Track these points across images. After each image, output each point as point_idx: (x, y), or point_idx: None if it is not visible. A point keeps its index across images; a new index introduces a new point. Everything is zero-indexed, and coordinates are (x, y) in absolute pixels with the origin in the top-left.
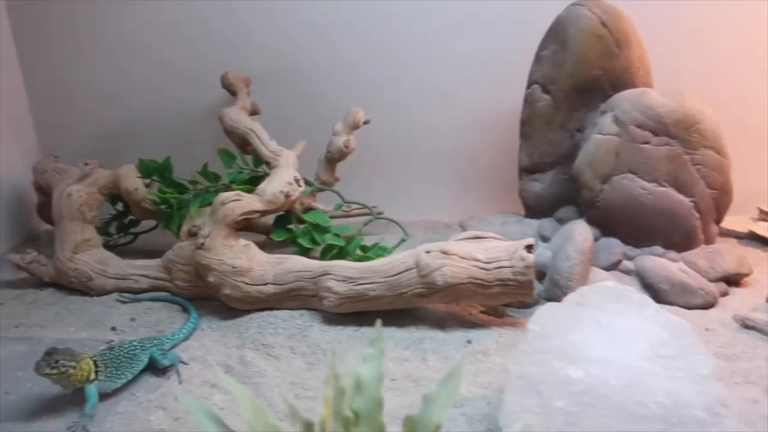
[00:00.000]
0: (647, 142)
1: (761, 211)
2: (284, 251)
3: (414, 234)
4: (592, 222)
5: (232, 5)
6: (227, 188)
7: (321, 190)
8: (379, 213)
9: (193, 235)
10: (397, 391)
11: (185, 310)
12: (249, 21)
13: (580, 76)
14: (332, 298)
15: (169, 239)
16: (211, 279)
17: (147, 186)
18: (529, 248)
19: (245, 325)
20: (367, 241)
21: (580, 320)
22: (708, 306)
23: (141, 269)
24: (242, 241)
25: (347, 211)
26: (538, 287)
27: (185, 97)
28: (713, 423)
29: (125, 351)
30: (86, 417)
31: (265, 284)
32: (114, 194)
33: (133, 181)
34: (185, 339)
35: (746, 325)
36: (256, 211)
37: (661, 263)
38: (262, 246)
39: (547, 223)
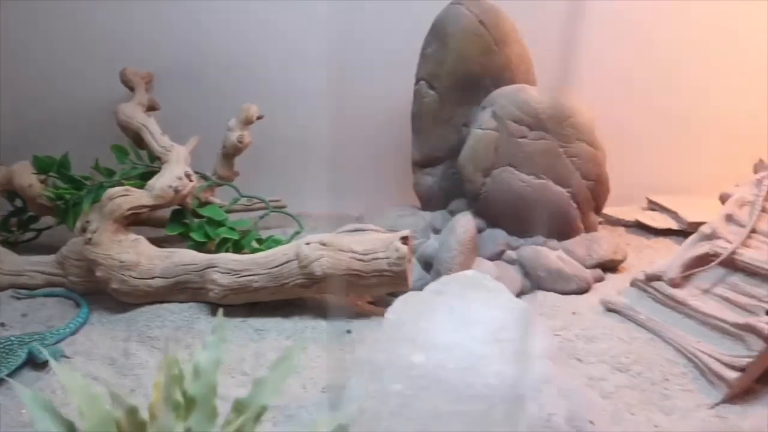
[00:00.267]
0: (524, 137)
1: (649, 201)
2: (184, 245)
3: (318, 227)
4: (477, 214)
5: (134, 4)
6: (120, 184)
7: (219, 184)
8: (281, 207)
9: (84, 230)
10: None
11: (79, 305)
12: (151, 19)
13: (461, 73)
14: (217, 290)
15: (72, 235)
16: (99, 274)
17: (43, 182)
18: (404, 240)
19: (134, 319)
20: (271, 235)
21: (435, 308)
22: (582, 291)
23: (36, 265)
24: (132, 236)
25: (248, 205)
26: (426, 277)
27: (87, 95)
28: (531, 399)
29: (0, 346)
30: None
31: (153, 278)
32: (9, 191)
33: (27, 177)
34: (72, 333)
35: (609, 308)
36: (145, 206)
37: (540, 252)
38: (163, 241)
39: (439, 216)
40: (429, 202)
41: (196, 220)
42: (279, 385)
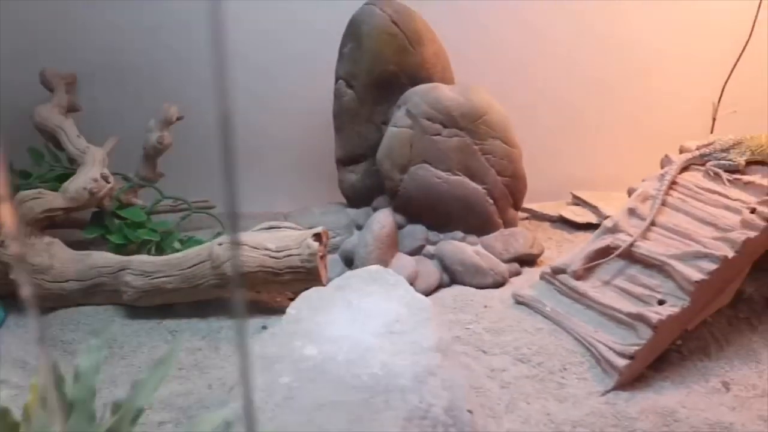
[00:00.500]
0: (438, 134)
1: (574, 196)
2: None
3: (248, 227)
4: (397, 210)
5: (55, 4)
6: (36, 186)
7: (141, 186)
8: (209, 207)
9: None
10: (181, 379)
11: None
12: (76, 19)
13: (377, 72)
14: (130, 293)
15: None
16: (12, 277)
17: None
18: (317, 237)
19: (49, 322)
20: (203, 235)
21: (334, 302)
22: (498, 285)
23: None
24: (46, 239)
25: (174, 206)
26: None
27: (6, 95)
28: (413, 389)
29: None
30: None
31: (67, 281)
32: None
33: None
34: None
35: (518, 301)
36: (59, 209)
37: (457, 247)
38: (90, 243)
39: (362, 213)
40: (354, 199)
41: (117, 222)
42: (156, 387)
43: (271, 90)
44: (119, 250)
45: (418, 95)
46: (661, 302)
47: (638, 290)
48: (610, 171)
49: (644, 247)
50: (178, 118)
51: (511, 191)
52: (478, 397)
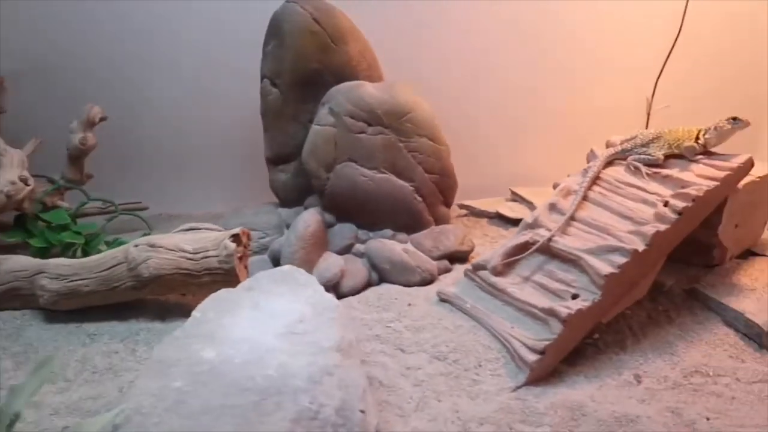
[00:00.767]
0: (363, 132)
1: (513, 193)
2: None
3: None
4: (327, 209)
5: None
6: None
7: (68, 188)
8: (141, 208)
9: None
10: (94, 383)
11: None
12: (3, 20)
13: (300, 71)
14: (47, 296)
15: None
16: None
17: None
18: (235, 238)
19: None
20: (117, 237)
21: (241, 304)
22: (426, 283)
23: None
24: None
25: (103, 209)
26: None
27: None
28: (307, 390)
29: None
30: None
31: None
32: None
33: None
34: None
35: (442, 299)
36: None
37: (386, 245)
38: (18, 247)
39: (293, 212)
40: (286, 198)
41: (40, 225)
42: (35, 393)
43: (203, 90)
44: (42, 253)
45: (341, 93)
46: (574, 297)
47: (555, 285)
48: (549, 167)
49: (561, 242)
50: (102, 119)
51: (441, 188)
52: (389, 395)
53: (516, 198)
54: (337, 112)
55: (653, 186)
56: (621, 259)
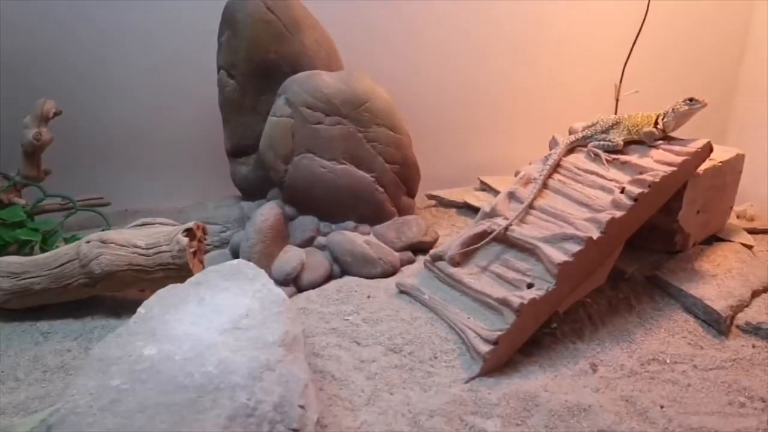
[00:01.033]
0: (320, 122)
1: (481, 182)
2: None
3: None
4: (287, 201)
5: None
6: None
7: (24, 185)
8: (103, 204)
9: None
10: (44, 382)
11: None
12: None
13: (256, 61)
14: None
15: None
16: None
17: None
18: (188, 232)
19: None
20: (75, 233)
21: (187, 299)
22: (388, 274)
23: None
24: None
25: (63, 205)
26: None
27: None
28: (245, 386)
29: None
30: None
31: None
32: None
33: None
34: None
35: (401, 290)
36: None
37: (347, 237)
38: None
39: (256, 205)
40: (248, 191)
41: None
42: None
43: (165, 82)
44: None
45: (297, 83)
46: (530, 286)
47: (511, 275)
48: (518, 154)
49: (518, 231)
50: (56, 114)
51: (403, 178)
52: (341, 389)
53: (484, 187)
54: (293, 103)
55: (612, 173)
56: (575, 247)
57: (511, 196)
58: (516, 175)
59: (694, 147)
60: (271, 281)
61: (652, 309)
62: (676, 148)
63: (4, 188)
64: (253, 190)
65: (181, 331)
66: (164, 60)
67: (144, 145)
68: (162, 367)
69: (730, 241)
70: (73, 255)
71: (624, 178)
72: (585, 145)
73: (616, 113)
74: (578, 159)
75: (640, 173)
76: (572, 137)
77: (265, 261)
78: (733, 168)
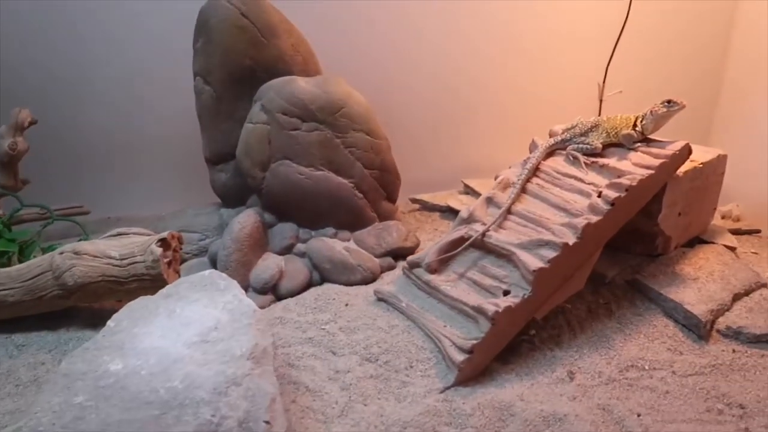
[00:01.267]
0: (297, 129)
1: (465, 185)
2: None
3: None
4: (266, 208)
5: None
6: None
7: (2, 195)
8: (83, 213)
9: None
10: (16, 396)
11: None
12: None
13: (231, 67)
14: None
15: None
16: None
17: None
18: (162, 242)
19: None
20: (53, 243)
21: (156, 312)
22: (368, 281)
23: None
24: None
25: (42, 214)
26: None
27: None
28: (210, 402)
29: None
30: None
31: None
32: None
33: None
34: None
35: (378, 298)
36: None
37: (326, 244)
38: None
39: (235, 213)
40: (228, 198)
41: None
42: None
43: (148, 89)
44: None
45: (273, 89)
46: (506, 293)
47: (488, 282)
48: (503, 156)
49: (495, 237)
50: (31, 123)
51: (382, 183)
52: (314, 401)
53: (468, 190)
54: (269, 109)
55: (591, 176)
56: (551, 254)
57: (489, 201)
58: (495, 179)
59: (672, 149)
60: (243, 292)
61: (632, 314)
62: (655, 150)
63: None
64: (232, 198)
65: (148, 345)
66: (144, 66)
67: (127, 152)
68: (127, 383)
69: (713, 243)
70: (47, 267)
71: (602, 181)
72: (564, 148)
73: (600, 114)
74: (557, 162)
75: (618, 177)
76: (551, 140)
77: (242, 269)
78: (714, 169)
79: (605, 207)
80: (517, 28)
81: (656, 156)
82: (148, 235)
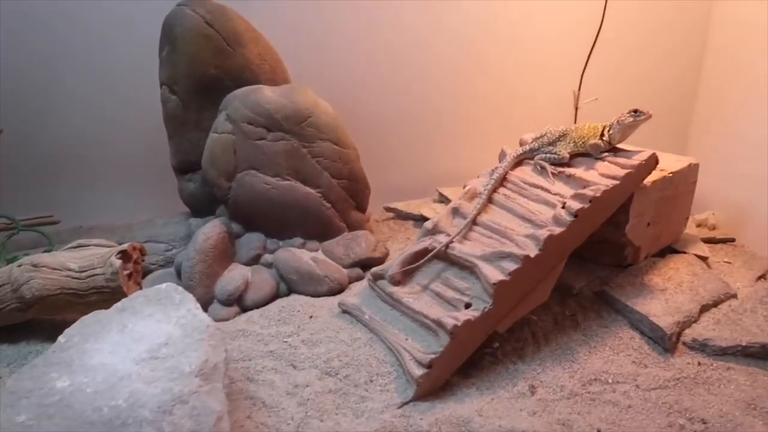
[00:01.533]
0: (262, 138)
1: (440, 194)
2: None
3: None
4: (234, 218)
5: None
6: None
7: None
8: (52, 222)
9: None
10: None
11: None
12: None
13: (197, 76)
14: None
15: None
16: None
17: None
18: (123, 254)
19: None
20: (16, 254)
21: (109, 327)
22: (335, 292)
23: None
24: None
25: (8, 224)
26: None
27: None
28: (153, 421)
29: None
30: None
31: None
32: None
33: None
34: None
35: (343, 310)
36: None
37: (293, 254)
38: None
39: (202, 222)
40: (196, 208)
41: None
42: None
43: (117, 98)
44: None
45: (238, 99)
46: (467, 305)
47: (450, 294)
48: (478, 165)
49: (459, 249)
50: None
51: (351, 193)
52: (269, 417)
53: (443, 199)
54: (234, 119)
55: (557, 186)
56: (512, 266)
57: (455, 211)
58: (463, 188)
59: (638, 159)
60: (198, 306)
61: (598, 326)
62: (621, 160)
63: None
64: (201, 207)
65: (97, 362)
66: (114, 75)
67: (99, 161)
68: (72, 401)
69: (685, 252)
70: (5, 279)
71: (569, 191)
72: (533, 158)
73: (575, 122)
74: (525, 172)
75: (584, 187)
76: (520, 150)
77: (207, 281)
78: (686, 178)
79: (569, 218)
80: (490, 36)
81: (623, 166)
82: (110, 246)
